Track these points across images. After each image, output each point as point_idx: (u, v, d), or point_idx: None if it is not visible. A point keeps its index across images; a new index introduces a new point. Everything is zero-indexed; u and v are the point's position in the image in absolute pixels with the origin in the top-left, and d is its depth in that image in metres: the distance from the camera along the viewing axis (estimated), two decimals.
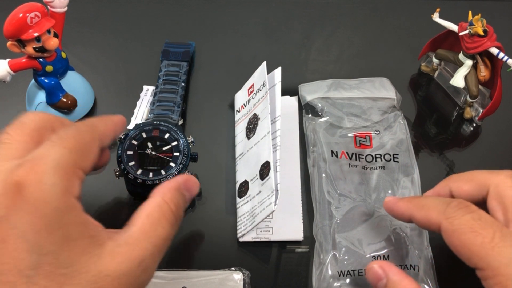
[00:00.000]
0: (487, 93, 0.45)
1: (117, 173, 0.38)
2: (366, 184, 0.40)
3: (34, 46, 0.38)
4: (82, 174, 0.26)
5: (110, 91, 0.48)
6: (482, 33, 0.41)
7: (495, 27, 0.42)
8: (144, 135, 0.39)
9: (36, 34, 0.37)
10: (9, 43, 0.38)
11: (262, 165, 0.38)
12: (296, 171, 0.42)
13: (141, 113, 0.46)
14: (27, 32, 0.37)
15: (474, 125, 0.47)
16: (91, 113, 0.46)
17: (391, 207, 0.34)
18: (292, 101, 0.46)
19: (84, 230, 0.25)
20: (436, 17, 0.45)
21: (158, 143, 0.39)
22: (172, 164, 0.38)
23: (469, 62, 0.43)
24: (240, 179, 0.41)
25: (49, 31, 0.39)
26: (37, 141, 0.27)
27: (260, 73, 0.43)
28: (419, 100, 0.49)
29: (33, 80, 0.43)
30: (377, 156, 0.42)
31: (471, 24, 0.41)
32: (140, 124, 0.40)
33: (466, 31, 0.42)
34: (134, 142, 0.39)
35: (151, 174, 0.37)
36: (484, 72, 0.43)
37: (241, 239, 0.38)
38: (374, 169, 0.41)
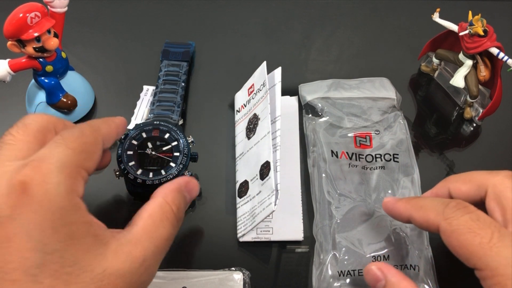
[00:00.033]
0: (487, 93, 0.45)
1: (117, 173, 0.38)
2: (366, 184, 0.40)
3: (34, 46, 0.38)
4: (86, 174, 0.27)
5: (110, 91, 0.48)
6: (482, 33, 0.41)
7: (495, 27, 0.42)
8: (144, 135, 0.39)
9: (36, 34, 0.37)
10: (9, 43, 0.38)
11: (262, 165, 0.38)
12: (296, 171, 0.42)
13: (141, 113, 0.46)
14: (27, 32, 0.37)
15: (474, 125, 0.47)
16: (91, 113, 0.46)
17: (389, 208, 0.34)
18: (292, 101, 0.47)
19: (89, 229, 0.25)
20: (436, 17, 0.45)
21: (158, 143, 0.39)
22: (172, 164, 0.38)
23: (469, 62, 0.43)
24: (240, 179, 0.41)
25: (49, 31, 0.39)
26: (40, 142, 0.27)
27: (260, 73, 0.43)
28: (419, 100, 0.49)
29: (33, 80, 0.43)
30: (377, 156, 0.42)
31: (471, 24, 0.41)
32: (140, 124, 0.40)
33: (466, 31, 0.42)
34: (134, 142, 0.39)
35: (151, 174, 0.37)
36: (484, 72, 0.43)
37: (241, 239, 0.38)
38: (374, 169, 0.41)
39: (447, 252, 0.29)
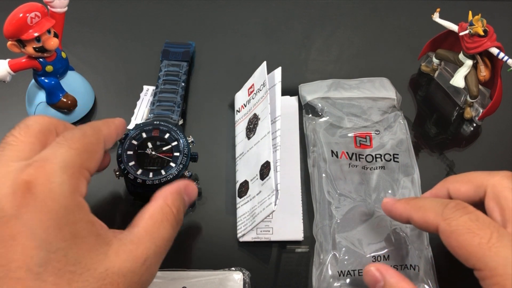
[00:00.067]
0: (487, 93, 0.45)
1: (117, 173, 0.38)
2: (366, 184, 0.40)
3: (34, 46, 0.38)
4: (88, 174, 0.27)
5: (110, 91, 0.48)
6: (482, 33, 0.41)
7: (495, 27, 0.42)
8: (144, 135, 0.39)
9: (36, 34, 0.37)
10: (9, 43, 0.38)
11: (262, 165, 0.38)
12: (296, 171, 0.42)
13: (141, 113, 0.46)
14: (27, 32, 0.37)
15: (474, 125, 0.47)
16: (91, 113, 0.46)
17: (389, 209, 0.34)
18: (292, 101, 0.46)
19: (92, 229, 0.25)
20: (436, 17, 0.45)
21: (158, 143, 0.39)
22: (172, 164, 0.38)
23: (469, 62, 0.43)
24: (240, 179, 0.41)
25: (49, 31, 0.39)
26: (42, 143, 0.27)
27: (260, 73, 0.43)
28: (419, 100, 0.49)
29: (33, 80, 0.43)
30: (377, 156, 0.42)
31: (471, 24, 0.41)
32: (140, 124, 0.40)
33: (466, 31, 0.42)
34: (134, 142, 0.39)
35: (151, 174, 0.37)
36: (484, 72, 0.43)
37: (241, 239, 0.38)
38: (374, 169, 0.41)
39: (447, 252, 0.29)
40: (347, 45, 0.53)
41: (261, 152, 0.39)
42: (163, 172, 0.37)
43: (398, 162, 0.41)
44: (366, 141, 0.43)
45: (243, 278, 0.36)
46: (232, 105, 0.47)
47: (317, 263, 0.37)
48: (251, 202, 0.38)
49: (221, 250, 0.38)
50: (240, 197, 0.40)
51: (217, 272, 0.36)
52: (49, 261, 0.23)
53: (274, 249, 0.39)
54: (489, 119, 0.45)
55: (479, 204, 0.31)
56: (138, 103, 0.46)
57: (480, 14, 0.41)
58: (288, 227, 0.39)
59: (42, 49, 0.39)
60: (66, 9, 0.40)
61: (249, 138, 0.41)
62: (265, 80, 0.41)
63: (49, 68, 0.41)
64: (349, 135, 0.43)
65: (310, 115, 0.45)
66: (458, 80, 0.44)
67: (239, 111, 0.45)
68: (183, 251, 0.38)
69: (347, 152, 0.42)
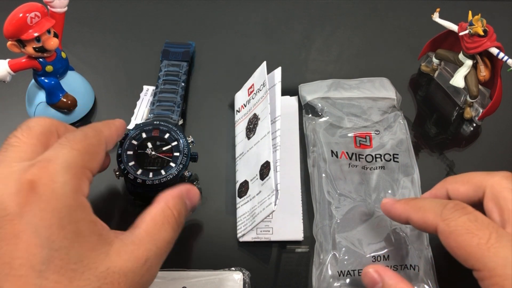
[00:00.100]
0: (487, 93, 0.45)
1: (117, 173, 0.38)
2: (366, 184, 0.40)
3: (34, 46, 0.38)
4: (90, 175, 0.28)
5: (110, 91, 0.48)
6: (482, 33, 0.41)
7: (495, 27, 0.42)
8: (144, 135, 0.39)
9: (36, 34, 0.37)
10: (9, 43, 0.38)
11: (262, 165, 0.38)
12: (296, 171, 0.42)
13: (141, 113, 0.46)
14: (27, 32, 0.37)
15: (474, 125, 0.47)
16: (91, 113, 0.46)
17: (388, 209, 0.34)
18: (292, 101, 0.47)
19: (94, 228, 0.26)
20: (436, 17, 0.45)
21: (158, 143, 0.39)
22: (172, 164, 0.38)
23: (469, 62, 0.43)
24: (240, 179, 0.41)
25: (49, 31, 0.39)
26: (44, 145, 0.28)
27: (260, 73, 0.43)
28: (419, 100, 0.49)
29: (33, 80, 0.43)
30: (377, 156, 0.42)
31: (471, 24, 0.41)
32: (140, 124, 0.40)
33: (466, 31, 0.42)
34: (134, 142, 0.39)
35: (151, 174, 0.37)
36: (484, 72, 0.43)
37: (241, 239, 0.38)
38: (374, 169, 0.41)
39: (447, 252, 0.29)
40: (347, 45, 0.53)
41: (261, 152, 0.39)
42: (163, 172, 0.37)
43: (398, 162, 0.41)
44: (366, 141, 0.43)
45: (243, 278, 0.36)
46: (232, 105, 0.47)
47: (317, 263, 0.37)
48: (251, 202, 0.38)
49: (221, 250, 0.38)
50: (240, 197, 0.40)
51: (217, 272, 0.36)
52: (52, 259, 0.23)
53: (274, 249, 0.39)
54: (489, 119, 0.45)
55: (478, 205, 0.31)
56: (138, 103, 0.46)
57: (480, 14, 0.41)
58: (288, 227, 0.39)
59: (42, 49, 0.39)
60: (66, 9, 0.40)
61: (249, 138, 0.41)
62: (265, 80, 0.41)
63: (49, 68, 0.41)
64: (349, 135, 0.43)
65: (310, 115, 0.45)
66: (458, 80, 0.44)
67: (239, 111, 0.45)
68: (183, 251, 0.38)
69: (347, 152, 0.42)
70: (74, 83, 0.44)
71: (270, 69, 0.42)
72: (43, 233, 0.24)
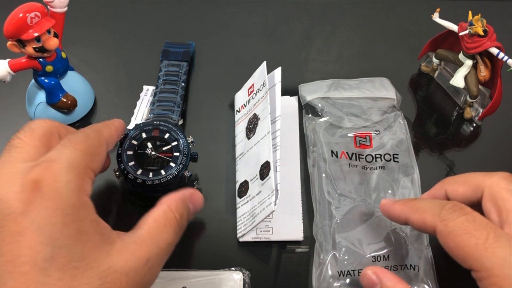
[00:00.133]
0: (487, 93, 0.45)
1: (117, 173, 0.38)
2: (366, 184, 0.40)
3: (34, 46, 0.38)
4: (92, 175, 0.28)
5: (110, 91, 0.48)
6: (482, 33, 0.41)
7: (495, 27, 0.42)
8: (144, 135, 0.39)
9: (36, 34, 0.37)
10: (9, 43, 0.38)
11: (262, 165, 0.38)
12: (296, 171, 0.42)
13: (141, 113, 0.46)
14: (27, 32, 0.37)
15: (474, 125, 0.47)
16: (91, 113, 0.46)
17: (387, 209, 0.34)
18: (292, 101, 0.47)
19: (96, 227, 0.26)
20: (436, 17, 0.45)
21: (158, 143, 0.39)
22: (172, 164, 0.38)
23: (469, 62, 0.43)
24: (240, 179, 0.41)
25: (49, 31, 0.39)
26: (46, 146, 0.28)
27: (260, 73, 0.43)
28: (419, 100, 0.49)
29: (33, 80, 0.43)
30: (377, 156, 0.42)
31: (471, 24, 0.41)
32: (140, 124, 0.40)
33: (466, 31, 0.42)
34: (134, 142, 0.39)
35: (151, 174, 0.37)
36: (484, 72, 0.43)
37: (241, 239, 0.38)
38: (374, 169, 0.41)
39: (447, 252, 0.29)
40: (347, 45, 0.53)
41: (261, 152, 0.39)
42: (163, 172, 0.37)
43: (398, 162, 0.41)
44: (366, 141, 0.43)
45: (243, 278, 0.36)
46: (232, 105, 0.47)
47: (317, 263, 0.37)
48: (251, 202, 0.38)
49: (221, 250, 0.38)
50: (240, 197, 0.40)
51: (217, 272, 0.36)
52: (55, 256, 0.24)
53: (274, 249, 0.39)
54: (489, 119, 0.45)
55: (477, 205, 0.31)
56: (138, 103, 0.46)
57: (480, 14, 0.41)
58: (288, 227, 0.39)
59: (42, 49, 0.39)
60: (66, 9, 0.40)
61: (249, 138, 0.41)
62: (265, 80, 0.41)
63: (49, 68, 0.41)
64: (349, 135, 0.43)
65: (310, 115, 0.45)
66: (458, 80, 0.44)
67: (239, 111, 0.45)
68: (183, 251, 0.38)
69: (347, 152, 0.42)
70: (74, 83, 0.44)
71: (270, 69, 0.42)
72: (46, 231, 0.24)
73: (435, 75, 0.49)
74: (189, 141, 0.39)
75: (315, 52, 0.52)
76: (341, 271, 0.36)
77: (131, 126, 0.43)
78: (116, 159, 0.38)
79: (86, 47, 0.51)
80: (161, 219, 0.29)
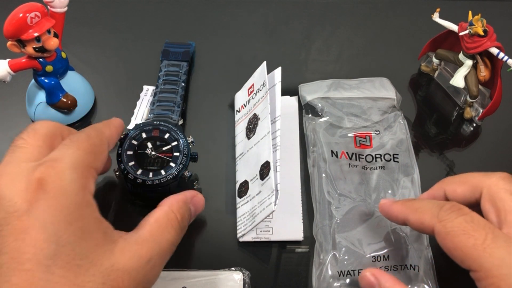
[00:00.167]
0: (487, 93, 0.45)
1: (117, 173, 0.38)
2: (366, 184, 0.40)
3: (34, 46, 0.38)
4: (95, 173, 0.29)
5: (110, 91, 0.48)
6: (482, 33, 0.41)
7: (495, 27, 0.42)
8: (144, 135, 0.39)
9: (36, 34, 0.37)
10: (9, 43, 0.38)
11: (262, 165, 0.38)
12: (296, 171, 0.42)
13: (141, 113, 0.46)
14: (27, 32, 0.37)
15: (474, 125, 0.47)
16: (91, 113, 0.46)
17: (386, 210, 0.34)
18: (292, 101, 0.47)
19: (99, 226, 0.27)
20: (436, 17, 0.45)
21: (158, 143, 0.39)
22: (172, 164, 0.38)
23: (469, 62, 0.43)
24: (240, 179, 0.41)
25: (49, 31, 0.39)
26: (49, 146, 0.29)
27: (260, 73, 0.43)
28: (419, 100, 0.49)
29: (33, 80, 0.43)
30: (377, 156, 0.42)
31: (471, 24, 0.41)
32: (140, 124, 0.40)
33: (466, 31, 0.42)
34: (134, 142, 0.39)
35: (151, 174, 0.37)
36: (484, 72, 0.43)
37: (241, 239, 0.38)
38: (374, 169, 0.41)
39: (445, 252, 0.29)
40: (347, 45, 0.53)
41: (261, 152, 0.39)
42: (163, 172, 0.37)
43: (398, 162, 0.41)
44: (366, 141, 0.43)
45: (243, 278, 0.36)
46: (232, 105, 0.47)
47: (317, 263, 0.37)
48: (251, 202, 0.38)
49: (221, 250, 0.38)
50: (240, 197, 0.40)
51: (217, 272, 0.36)
52: (58, 254, 0.24)
53: (274, 249, 0.39)
54: (489, 119, 0.45)
55: (476, 205, 0.31)
56: (138, 103, 0.46)
57: (480, 14, 0.41)
58: (288, 227, 0.39)
59: (42, 49, 0.39)
60: (66, 9, 0.40)
61: (249, 138, 0.41)
62: (265, 80, 0.41)
63: (49, 68, 0.41)
64: (349, 135, 0.43)
65: (310, 115, 0.45)
66: (458, 80, 0.44)
67: (239, 111, 0.45)
68: (183, 251, 0.38)
69: (347, 152, 0.42)
70: (74, 83, 0.44)
71: (270, 69, 0.42)
72: (50, 229, 0.24)
73: (435, 75, 0.49)
74: (189, 141, 0.39)
75: (315, 52, 0.52)
76: (341, 271, 0.36)
77: (131, 126, 0.43)
78: (116, 159, 0.38)
79: (86, 47, 0.51)
80: (163, 220, 0.30)
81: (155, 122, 0.40)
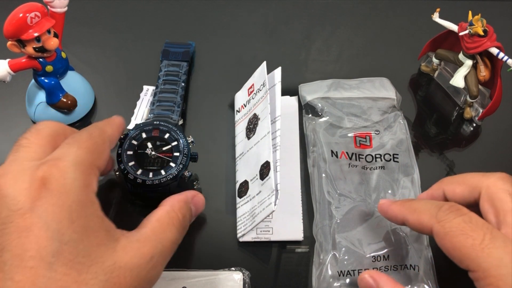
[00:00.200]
0: (487, 93, 0.45)
1: (117, 173, 0.38)
2: (366, 184, 0.40)
3: (34, 46, 0.38)
4: (98, 172, 0.29)
5: (110, 91, 0.48)
6: (482, 33, 0.41)
7: (495, 27, 0.42)
8: (144, 135, 0.39)
9: (36, 34, 0.37)
10: (9, 43, 0.38)
11: (262, 165, 0.38)
12: (296, 171, 0.42)
13: (141, 113, 0.46)
14: (27, 32, 0.37)
15: (474, 125, 0.47)
16: (91, 113, 0.46)
17: (385, 210, 0.34)
18: (292, 101, 0.47)
19: (101, 224, 0.27)
20: (436, 17, 0.45)
21: (158, 143, 0.39)
22: (172, 164, 0.38)
23: (469, 62, 0.43)
24: (240, 179, 0.41)
25: (49, 31, 0.39)
26: (53, 146, 0.29)
27: (260, 73, 0.43)
28: (419, 100, 0.49)
29: (33, 80, 0.43)
30: (377, 156, 0.42)
31: (471, 24, 0.41)
32: (140, 124, 0.40)
33: (466, 31, 0.42)
34: (134, 142, 0.39)
35: (151, 174, 0.37)
36: (484, 72, 0.43)
37: (241, 239, 0.38)
38: (374, 169, 0.41)
39: (444, 253, 0.29)
40: (347, 45, 0.53)
41: (261, 152, 0.39)
42: (163, 172, 0.37)
43: (398, 162, 0.41)
44: (366, 141, 0.43)
45: (243, 278, 0.36)
46: (232, 105, 0.47)
47: (317, 263, 0.37)
48: (251, 202, 0.38)
49: (221, 250, 0.38)
50: (240, 197, 0.40)
51: (217, 272, 0.36)
52: (61, 251, 0.24)
53: (274, 249, 0.39)
54: (489, 119, 0.45)
55: (475, 206, 0.31)
56: (138, 103, 0.46)
57: (480, 14, 0.41)
58: (288, 227, 0.39)
59: (42, 49, 0.39)
60: (66, 9, 0.40)
61: (249, 138, 0.41)
62: (265, 80, 0.41)
63: (49, 68, 0.41)
64: (349, 135, 0.43)
65: (310, 115, 0.45)
66: (458, 80, 0.44)
67: (239, 111, 0.45)
68: (183, 251, 0.38)
69: (347, 152, 0.42)
70: (74, 83, 0.44)
71: (270, 69, 0.42)
72: (53, 227, 0.24)
73: (435, 75, 0.49)
74: (189, 141, 0.39)
75: (315, 52, 0.52)
76: (341, 271, 0.36)
77: (131, 126, 0.43)
78: (116, 159, 0.38)
79: (86, 47, 0.51)
80: (165, 219, 0.30)
81: (155, 122, 0.40)
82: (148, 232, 0.28)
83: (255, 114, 0.42)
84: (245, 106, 0.44)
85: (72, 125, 0.45)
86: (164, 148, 0.39)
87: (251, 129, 0.42)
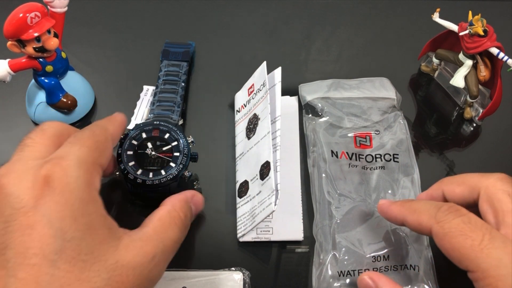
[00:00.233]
0: (487, 93, 0.45)
1: (117, 173, 0.38)
2: (366, 184, 0.40)
3: (34, 46, 0.38)
4: (100, 170, 0.29)
5: (110, 91, 0.48)
6: (482, 33, 0.41)
7: (495, 27, 0.42)
8: (144, 135, 0.39)
9: (36, 34, 0.37)
10: (9, 43, 0.38)
11: (262, 165, 0.38)
12: (296, 171, 0.42)
13: (141, 113, 0.46)
14: (27, 32, 0.37)
15: (474, 125, 0.47)
16: (91, 113, 0.46)
17: (384, 210, 0.34)
18: (292, 101, 0.46)
19: (104, 222, 0.27)
20: (436, 17, 0.45)
21: (158, 143, 0.39)
22: (172, 164, 0.38)
23: (469, 62, 0.43)
24: (240, 179, 0.41)
25: (49, 31, 0.39)
26: (57, 145, 0.29)
27: (260, 73, 0.43)
28: (419, 100, 0.49)
29: (33, 80, 0.43)
30: (377, 156, 0.42)
31: (471, 24, 0.41)
32: (140, 124, 0.40)
33: (466, 31, 0.42)
34: (134, 142, 0.39)
35: (151, 174, 0.37)
36: (484, 72, 0.43)
37: (241, 239, 0.38)
38: (374, 169, 0.41)
39: (443, 253, 0.29)
40: (347, 45, 0.53)
41: (261, 152, 0.39)
42: (163, 172, 0.37)
43: (398, 162, 0.41)
44: (366, 141, 0.43)
45: (243, 278, 0.36)
46: (232, 105, 0.47)
47: (317, 263, 0.37)
48: (251, 202, 0.38)
49: (221, 250, 0.38)
50: (240, 197, 0.40)
51: (217, 272, 0.36)
52: (64, 249, 0.24)
53: (274, 249, 0.39)
54: (489, 119, 0.45)
55: (474, 206, 0.31)
56: (138, 103, 0.46)
57: (480, 14, 0.41)
58: (288, 227, 0.39)
59: (42, 49, 0.39)
60: (66, 9, 0.40)
61: (249, 138, 0.41)
62: (265, 80, 0.41)
63: (49, 68, 0.41)
64: (349, 135, 0.43)
65: (310, 115, 0.45)
66: (458, 80, 0.44)
67: (239, 111, 0.45)
68: (183, 251, 0.38)
69: (347, 152, 0.42)
70: (74, 83, 0.44)
71: (270, 69, 0.42)
72: (56, 225, 0.25)
73: (435, 75, 0.49)
74: (189, 141, 0.39)
75: (315, 52, 0.52)
76: (341, 271, 0.36)
77: (131, 126, 0.43)
78: (116, 159, 0.38)
79: (86, 47, 0.51)
80: (166, 218, 0.30)
81: (155, 122, 0.40)
82: (150, 231, 0.29)
83: (255, 114, 0.42)
84: (245, 106, 0.44)
85: (72, 125, 0.44)
86: (164, 148, 0.39)
87: (251, 129, 0.42)
